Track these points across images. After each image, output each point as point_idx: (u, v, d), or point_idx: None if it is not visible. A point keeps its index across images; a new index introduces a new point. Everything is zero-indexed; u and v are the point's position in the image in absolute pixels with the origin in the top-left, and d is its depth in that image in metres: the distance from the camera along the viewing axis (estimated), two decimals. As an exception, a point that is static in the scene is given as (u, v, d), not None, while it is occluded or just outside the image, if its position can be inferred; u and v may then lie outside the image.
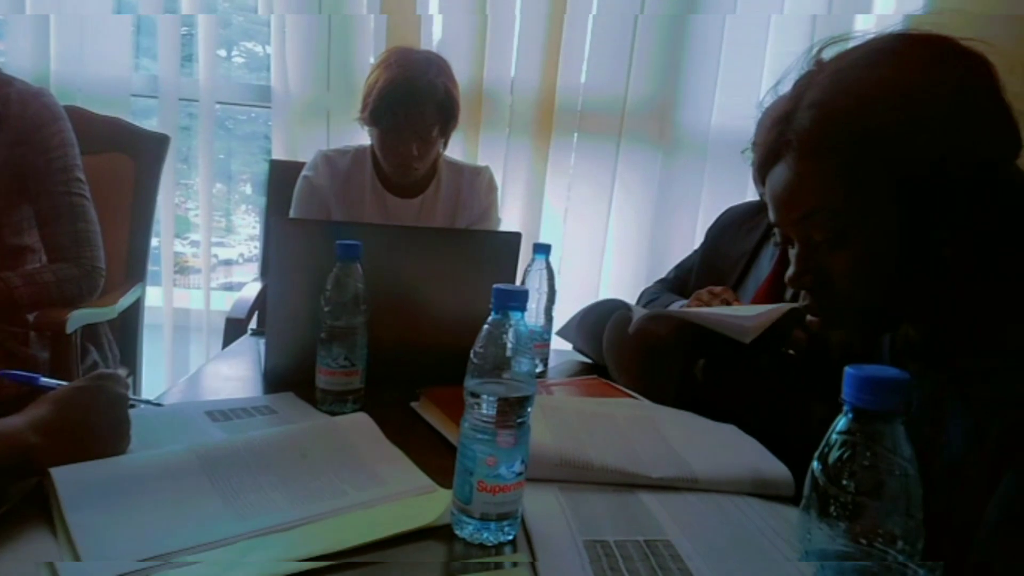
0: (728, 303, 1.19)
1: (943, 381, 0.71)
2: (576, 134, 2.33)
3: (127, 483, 0.69)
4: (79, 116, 1.61)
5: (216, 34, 2.28)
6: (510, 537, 0.65)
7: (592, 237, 2.37)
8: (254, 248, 3.08)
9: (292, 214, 1.70)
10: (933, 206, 0.66)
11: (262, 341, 1.19)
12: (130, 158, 1.84)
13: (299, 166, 1.81)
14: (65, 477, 0.68)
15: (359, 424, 0.86)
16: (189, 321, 2.40)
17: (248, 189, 3.17)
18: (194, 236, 2.66)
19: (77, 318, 1.43)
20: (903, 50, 0.70)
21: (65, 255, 1.44)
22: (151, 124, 2.20)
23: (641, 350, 1.10)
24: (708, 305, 1.20)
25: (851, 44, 0.74)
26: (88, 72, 2.21)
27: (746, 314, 0.97)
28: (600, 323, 1.19)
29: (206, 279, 2.35)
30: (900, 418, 0.47)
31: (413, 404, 1.03)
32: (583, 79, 2.29)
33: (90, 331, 1.56)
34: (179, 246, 2.56)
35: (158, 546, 0.61)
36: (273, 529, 0.66)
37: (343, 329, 0.98)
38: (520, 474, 0.64)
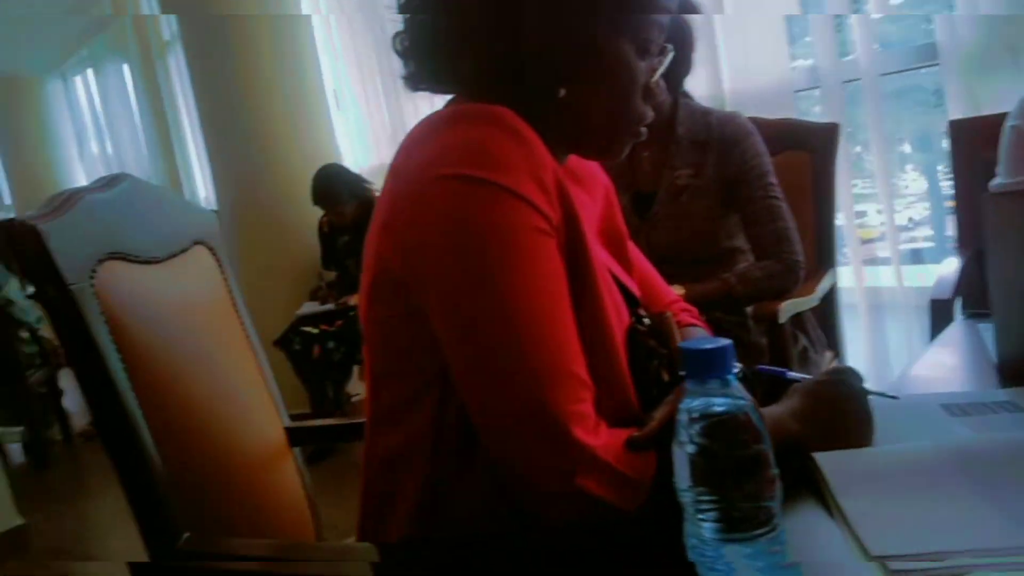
0: None
1: None
2: None
3: (883, 474, 0.75)
4: (755, 125, 1.79)
5: None
6: None
7: None
8: (924, 210, 2.90)
9: (1002, 173, 1.52)
10: None
11: (981, 326, 1.11)
12: (805, 152, 1.96)
13: (984, 122, 1.61)
14: (829, 464, 0.77)
15: None
16: (881, 300, 2.39)
17: (907, 148, 2.98)
18: (866, 208, 2.65)
19: (787, 308, 1.62)
20: None
21: (768, 253, 1.64)
22: (816, 114, 2.29)
23: None
24: None
25: None
26: (752, 84, 2.43)
27: None
28: None
29: (894, 253, 2.30)
30: None
31: None
32: None
33: (798, 319, 1.73)
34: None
35: (932, 543, 0.63)
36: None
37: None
38: None
